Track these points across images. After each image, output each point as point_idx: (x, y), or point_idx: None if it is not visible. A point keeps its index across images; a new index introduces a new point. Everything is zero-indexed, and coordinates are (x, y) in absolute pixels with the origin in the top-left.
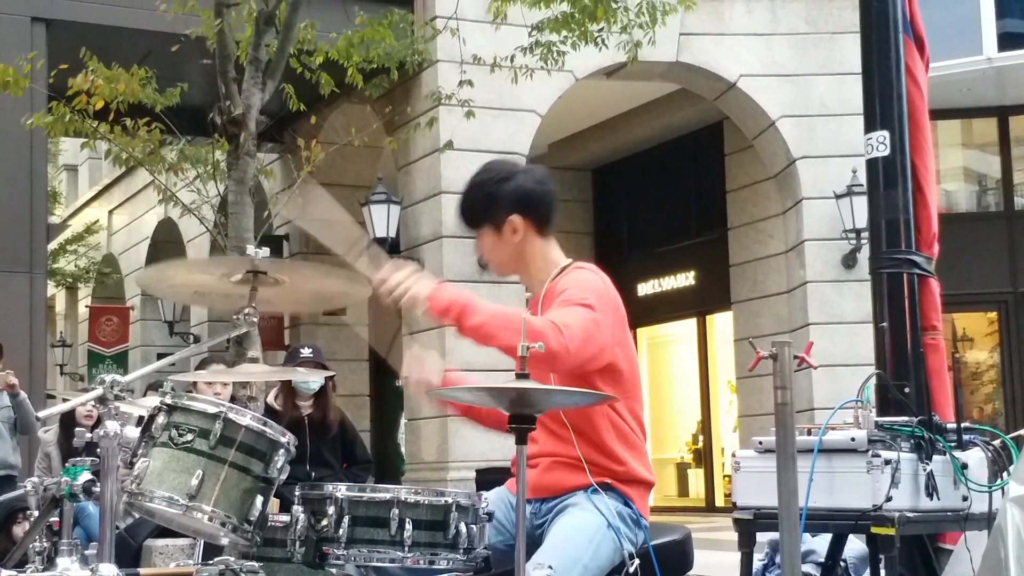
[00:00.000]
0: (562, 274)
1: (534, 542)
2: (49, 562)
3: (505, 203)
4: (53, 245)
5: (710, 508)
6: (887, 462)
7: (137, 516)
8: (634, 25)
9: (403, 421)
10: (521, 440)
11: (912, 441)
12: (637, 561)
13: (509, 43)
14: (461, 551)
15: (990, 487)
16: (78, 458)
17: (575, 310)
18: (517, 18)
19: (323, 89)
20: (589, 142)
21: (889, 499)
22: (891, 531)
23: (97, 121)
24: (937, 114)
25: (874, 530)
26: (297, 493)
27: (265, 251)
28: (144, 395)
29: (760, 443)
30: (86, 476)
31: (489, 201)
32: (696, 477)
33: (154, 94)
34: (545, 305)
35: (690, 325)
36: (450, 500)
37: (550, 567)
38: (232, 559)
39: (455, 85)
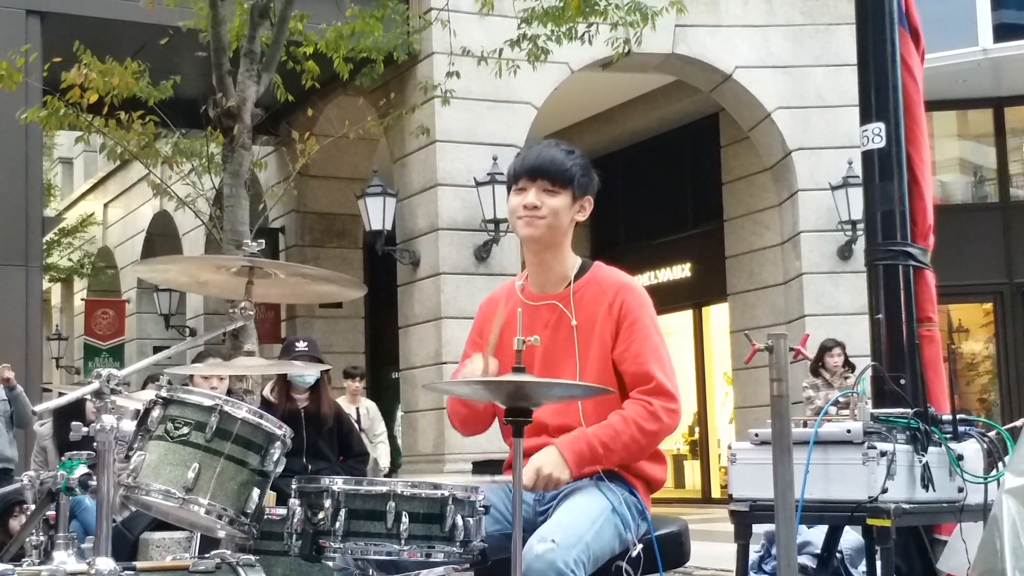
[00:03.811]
0: (590, 275)
1: (535, 530)
2: (46, 556)
3: (592, 184)
4: (48, 238)
5: (706, 500)
6: (883, 454)
7: (134, 509)
8: (624, 23)
9: (399, 414)
10: (518, 433)
11: (908, 433)
12: (640, 546)
13: (505, 35)
14: (457, 544)
15: (985, 478)
16: (74, 452)
17: (662, 349)
18: (510, 10)
19: (305, 80)
20: (585, 134)
21: (885, 491)
22: (887, 522)
23: (91, 115)
24: (933, 105)
25: (870, 521)
26: (294, 486)
27: (261, 244)
28: (143, 388)
29: (756, 435)
30: (82, 470)
31: (585, 172)
32: (692, 469)
33: (148, 88)
34: (583, 307)
35: (686, 317)
36: (446, 493)
37: (553, 541)
38: (229, 552)
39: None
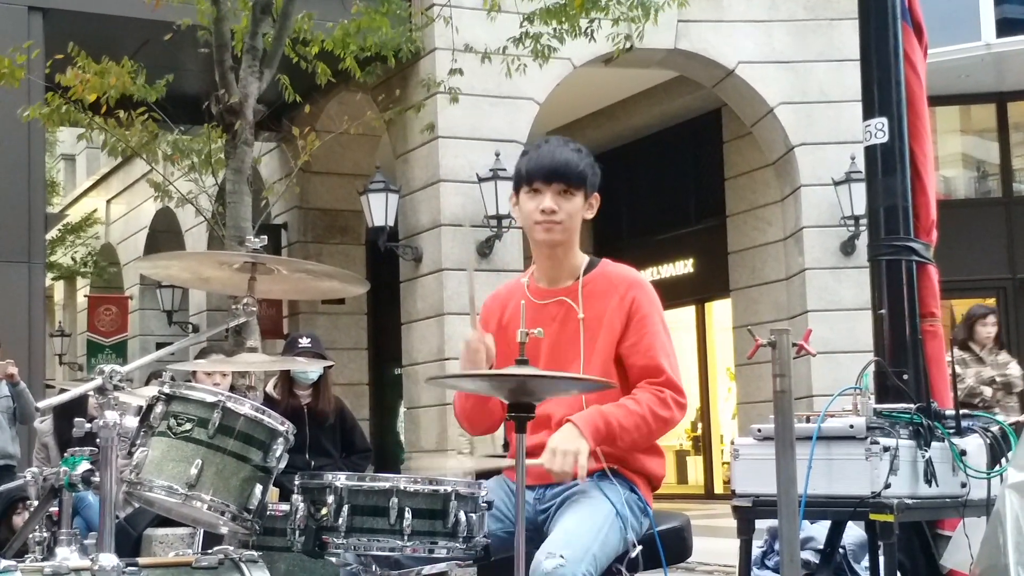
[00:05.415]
0: (599, 270)
1: (536, 528)
2: (49, 552)
3: (599, 181)
4: (51, 235)
5: (709, 495)
6: (886, 449)
7: (137, 505)
8: (626, 18)
9: (402, 409)
10: (520, 429)
11: (911, 428)
12: (640, 548)
13: (507, 31)
14: (460, 539)
15: (988, 473)
16: (77, 448)
17: (670, 347)
18: (513, 6)
19: (320, 79)
20: (587, 129)
21: (888, 486)
22: (890, 518)
23: (91, 113)
24: (935, 100)
25: (873, 517)
26: (296, 482)
27: (263, 240)
28: (146, 384)
29: (759, 430)
30: (85, 466)
31: (594, 171)
32: (695, 464)
33: (144, 87)
34: (591, 301)
35: (689, 312)
36: (449, 489)
37: (562, 556)
38: (231, 548)
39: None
